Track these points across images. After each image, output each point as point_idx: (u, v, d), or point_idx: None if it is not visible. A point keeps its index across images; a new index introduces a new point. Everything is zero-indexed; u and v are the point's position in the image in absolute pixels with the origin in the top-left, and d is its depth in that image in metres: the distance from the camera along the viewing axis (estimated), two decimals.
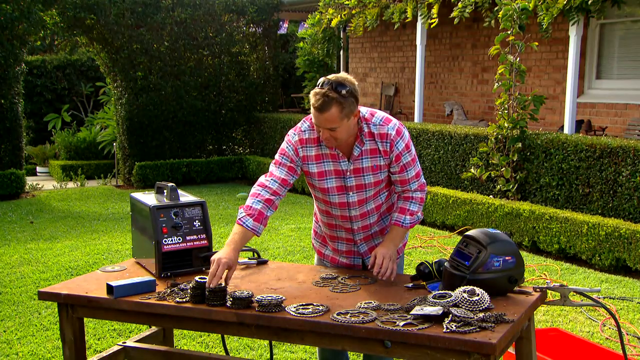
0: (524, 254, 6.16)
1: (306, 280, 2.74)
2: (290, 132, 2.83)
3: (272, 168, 2.79)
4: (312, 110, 2.63)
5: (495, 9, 7.32)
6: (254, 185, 2.77)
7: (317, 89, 2.60)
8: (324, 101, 2.56)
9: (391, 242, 2.77)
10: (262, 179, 2.78)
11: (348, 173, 2.76)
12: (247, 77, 11.53)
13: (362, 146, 2.73)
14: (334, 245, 3.00)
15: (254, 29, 11.58)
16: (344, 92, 2.56)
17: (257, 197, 2.70)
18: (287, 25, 15.03)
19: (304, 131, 2.79)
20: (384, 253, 2.71)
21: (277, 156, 2.82)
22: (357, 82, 2.69)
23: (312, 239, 3.15)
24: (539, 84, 9.53)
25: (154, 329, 3.27)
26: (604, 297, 4.96)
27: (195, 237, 2.86)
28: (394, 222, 2.81)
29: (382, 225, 2.94)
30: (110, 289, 2.58)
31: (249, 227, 2.65)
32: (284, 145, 2.81)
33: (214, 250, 2.94)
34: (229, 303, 2.42)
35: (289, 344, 4.03)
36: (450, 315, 2.19)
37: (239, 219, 2.68)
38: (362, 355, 3.38)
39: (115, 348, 3.13)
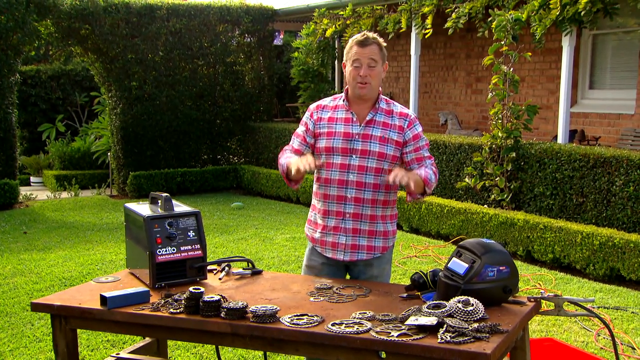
0: (518, 263, 6.16)
1: (301, 291, 2.74)
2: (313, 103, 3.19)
3: (292, 140, 3.16)
4: (354, 49, 2.95)
5: (489, 19, 7.37)
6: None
7: (357, 34, 3.01)
8: (367, 37, 2.95)
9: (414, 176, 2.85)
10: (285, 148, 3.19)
11: (357, 136, 2.97)
12: (242, 86, 11.54)
13: (375, 114, 2.99)
14: (324, 222, 3.05)
15: (248, 39, 11.61)
16: (380, 40, 2.99)
17: (284, 158, 3.07)
18: (282, 37, 15.06)
19: (325, 99, 3.14)
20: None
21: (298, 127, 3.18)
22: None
23: (306, 228, 3.21)
24: (533, 93, 9.58)
25: (147, 340, 3.25)
26: (598, 307, 4.97)
27: (189, 247, 2.85)
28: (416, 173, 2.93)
29: (374, 212, 3.00)
30: (103, 299, 2.57)
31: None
32: (304, 114, 3.16)
33: (208, 260, 2.94)
34: (223, 314, 2.41)
35: (283, 355, 4.01)
36: (445, 326, 2.19)
37: (284, 165, 3.00)
38: None
39: (109, 359, 3.11)
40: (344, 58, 3.04)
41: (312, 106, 3.14)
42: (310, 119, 3.09)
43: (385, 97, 3.07)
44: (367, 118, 2.98)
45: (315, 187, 3.11)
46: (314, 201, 3.13)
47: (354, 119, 2.99)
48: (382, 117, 3.00)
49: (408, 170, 2.97)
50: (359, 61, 2.93)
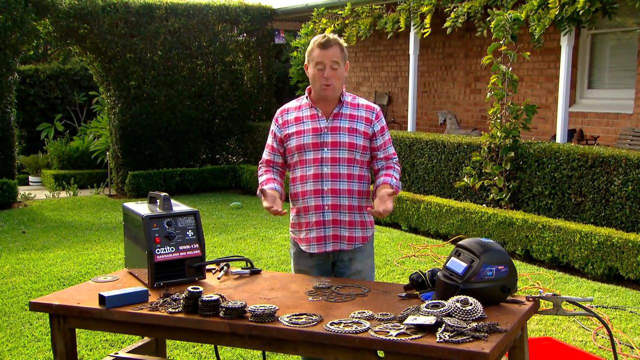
0: (517, 263, 6.17)
1: (299, 290, 2.74)
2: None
3: (264, 152, 3.25)
4: (315, 51, 2.99)
5: (488, 19, 7.37)
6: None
7: (317, 36, 3.04)
8: (328, 40, 2.99)
9: (388, 198, 2.95)
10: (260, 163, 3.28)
11: (325, 130, 3.05)
12: (241, 86, 11.54)
13: (341, 107, 3.07)
14: (306, 219, 3.09)
15: (247, 38, 11.60)
16: (341, 41, 3.05)
17: (261, 175, 3.18)
18: (283, 35, 15.03)
19: (288, 103, 3.20)
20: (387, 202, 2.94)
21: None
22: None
23: (290, 232, 3.25)
24: (532, 93, 9.59)
25: (146, 339, 3.25)
26: (597, 306, 4.98)
27: (188, 247, 2.85)
28: (382, 182, 3.05)
29: (351, 202, 3.06)
30: (102, 299, 2.57)
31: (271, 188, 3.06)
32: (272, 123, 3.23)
33: (207, 260, 2.94)
34: (221, 313, 2.41)
35: (282, 354, 4.01)
36: (444, 325, 2.19)
37: (261, 187, 3.06)
38: None
39: (108, 359, 3.11)
40: (306, 60, 3.09)
41: (277, 112, 3.19)
42: (275, 125, 3.15)
43: (350, 93, 3.14)
44: (334, 112, 3.06)
45: (291, 188, 3.15)
46: (292, 204, 3.17)
47: (320, 114, 3.06)
48: (348, 109, 3.08)
49: (375, 165, 3.14)
50: (322, 63, 2.98)
